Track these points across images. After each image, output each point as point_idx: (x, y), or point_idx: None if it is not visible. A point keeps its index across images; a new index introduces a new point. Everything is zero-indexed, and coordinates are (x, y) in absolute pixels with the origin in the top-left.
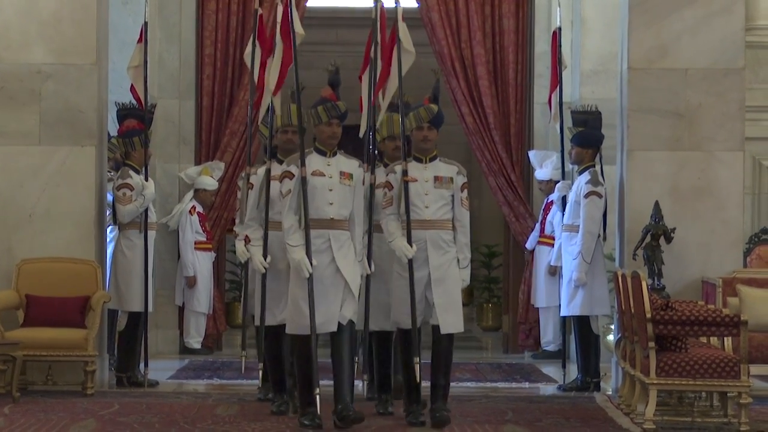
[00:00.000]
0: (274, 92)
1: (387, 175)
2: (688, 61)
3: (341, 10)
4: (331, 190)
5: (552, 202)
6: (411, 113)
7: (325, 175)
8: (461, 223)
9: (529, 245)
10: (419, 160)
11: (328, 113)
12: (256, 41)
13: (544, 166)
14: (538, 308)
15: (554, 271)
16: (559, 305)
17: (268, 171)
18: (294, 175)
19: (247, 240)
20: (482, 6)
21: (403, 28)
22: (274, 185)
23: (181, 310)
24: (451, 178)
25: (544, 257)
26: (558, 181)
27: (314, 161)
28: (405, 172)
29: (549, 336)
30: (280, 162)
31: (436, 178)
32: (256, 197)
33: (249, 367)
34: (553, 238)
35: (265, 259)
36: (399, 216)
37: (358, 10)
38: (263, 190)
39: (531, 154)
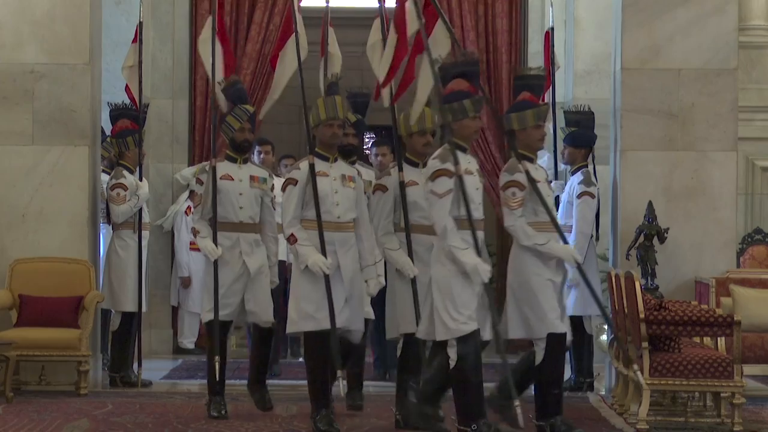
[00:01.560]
0: (396, 98)
1: (512, 174)
2: (681, 61)
3: (339, 9)
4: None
5: None
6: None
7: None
8: None
9: None
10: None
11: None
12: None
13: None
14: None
15: None
16: None
17: (312, 166)
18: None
19: (293, 240)
20: (475, 6)
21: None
22: (323, 181)
23: (176, 310)
24: None
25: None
26: (550, 180)
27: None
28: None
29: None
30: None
31: None
32: (301, 194)
33: (242, 367)
34: None
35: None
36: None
37: (356, 10)
38: (308, 187)
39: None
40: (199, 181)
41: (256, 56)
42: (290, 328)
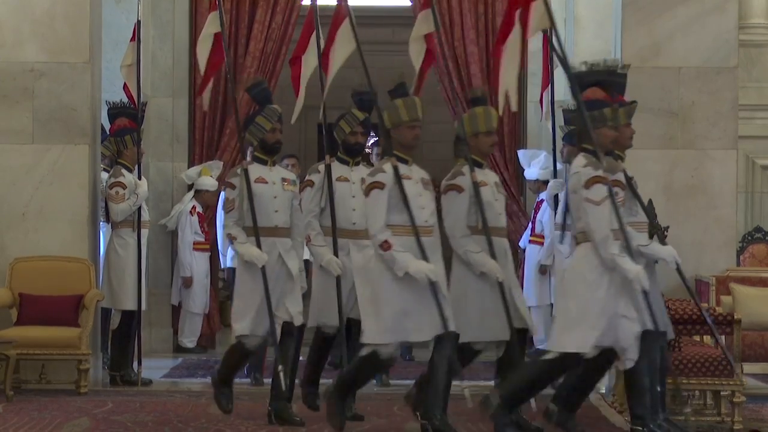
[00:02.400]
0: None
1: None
2: (681, 59)
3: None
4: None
5: (542, 200)
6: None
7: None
8: None
9: (522, 243)
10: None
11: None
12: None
13: (532, 165)
14: (529, 307)
15: (545, 270)
16: (551, 303)
17: (396, 169)
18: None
19: (387, 246)
20: (475, 4)
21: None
22: (408, 185)
23: (177, 309)
24: None
25: (534, 256)
26: (547, 180)
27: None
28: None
29: (541, 334)
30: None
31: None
32: (387, 199)
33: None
34: (543, 237)
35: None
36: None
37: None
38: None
39: (520, 153)
40: (231, 185)
41: (259, 55)
42: (374, 339)
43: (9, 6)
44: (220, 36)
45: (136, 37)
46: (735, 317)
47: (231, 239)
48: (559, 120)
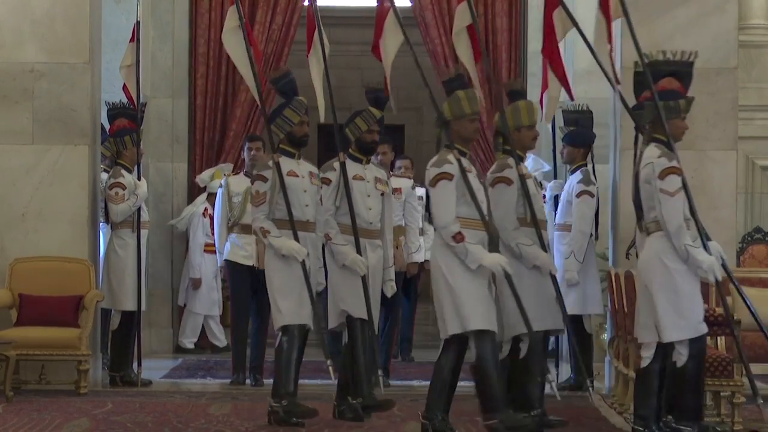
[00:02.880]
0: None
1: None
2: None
3: (336, 9)
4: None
5: None
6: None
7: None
8: None
9: None
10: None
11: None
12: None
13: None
14: None
15: None
16: None
17: (459, 161)
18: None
19: (460, 238)
20: (476, 5)
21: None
22: (469, 177)
23: (182, 309)
24: None
25: None
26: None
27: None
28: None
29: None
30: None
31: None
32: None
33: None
34: None
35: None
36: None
37: (354, 9)
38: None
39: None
40: (262, 178)
41: (260, 56)
42: (458, 328)
43: (9, 6)
44: (248, 27)
45: (135, 37)
46: (735, 318)
47: (263, 233)
48: (559, 121)
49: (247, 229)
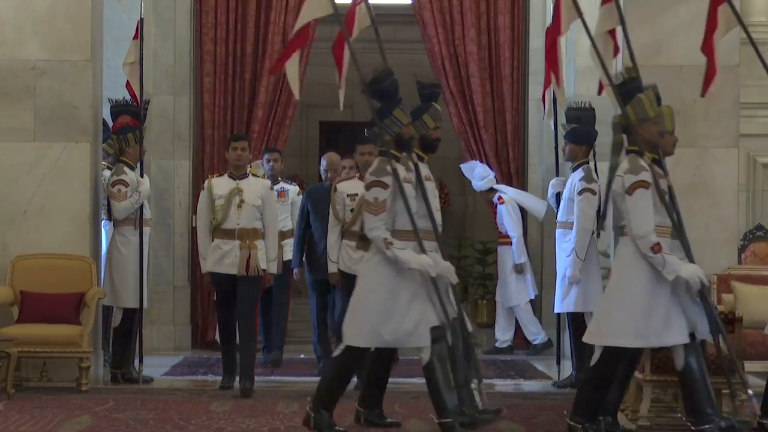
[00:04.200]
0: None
1: None
2: (682, 57)
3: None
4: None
5: (496, 204)
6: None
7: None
8: None
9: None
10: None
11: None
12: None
13: (474, 177)
14: (508, 308)
15: (521, 269)
16: (531, 299)
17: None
18: None
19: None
20: (477, 2)
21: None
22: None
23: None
24: None
25: (506, 257)
26: (491, 188)
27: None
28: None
29: (532, 329)
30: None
31: None
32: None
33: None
34: (510, 238)
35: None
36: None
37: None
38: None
39: (462, 167)
40: (383, 184)
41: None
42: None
43: (11, 4)
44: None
45: (138, 34)
46: (736, 315)
47: (387, 244)
48: (561, 118)
49: (230, 234)
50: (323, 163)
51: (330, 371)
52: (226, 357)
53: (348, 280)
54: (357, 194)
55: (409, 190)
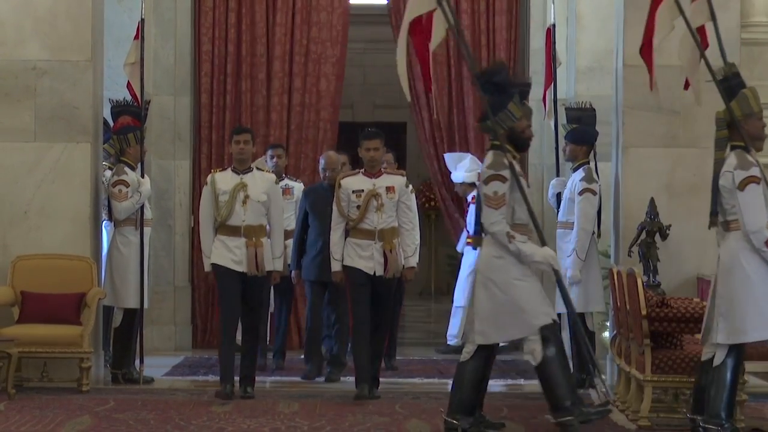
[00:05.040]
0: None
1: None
2: None
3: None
4: None
5: (469, 203)
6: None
7: None
8: None
9: (459, 247)
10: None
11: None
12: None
13: (458, 168)
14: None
15: None
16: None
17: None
18: None
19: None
20: (475, 3)
21: None
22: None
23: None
24: None
25: (471, 258)
26: (473, 183)
27: None
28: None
29: (454, 330)
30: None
31: None
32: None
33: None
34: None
35: None
36: None
37: (355, 7)
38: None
39: (446, 156)
40: (502, 178)
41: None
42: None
43: (11, 4)
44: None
45: (139, 35)
46: None
47: (510, 238)
48: (562, 118)
49: (235, 231)
50: (322, 161)
51: (468, 375)
52: (226, 359)
53: (350, 277)
54: (363, 190)
55: (524, 183)
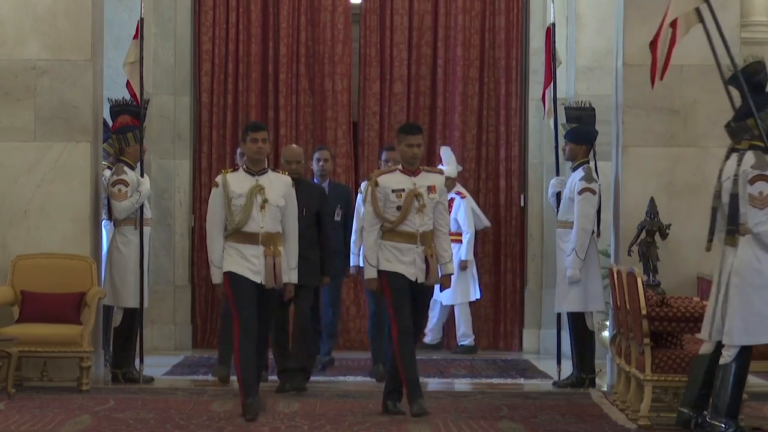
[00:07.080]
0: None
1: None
2: (683, 57)
3: None
4: None
5: (453, 198)
6: None
7: None
8: None
9: None
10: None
11: None
12: None
13: (448, 163)
14: (448, 306)
15: (465, 266)
16: (472, 301)
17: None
18: None
19: None
20: (474, 3)
21: None
22: None
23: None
24: None
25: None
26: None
27: None
28: None
29: (464, 330)
30: None
31: None
32: None
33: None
34: (461, 235)
35: None
36: None
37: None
38: None
39: (442, 149)
40: (766, 178)
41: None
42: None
43: (11, 3)
44: None
45: (139, 34)
46: None
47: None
48: (561, 117)
49: (252, 239)
50: (284, 154)
51: (734, 376)
52: (247, 371)
53: (391, 283)
54: (404, 189)
55: None
